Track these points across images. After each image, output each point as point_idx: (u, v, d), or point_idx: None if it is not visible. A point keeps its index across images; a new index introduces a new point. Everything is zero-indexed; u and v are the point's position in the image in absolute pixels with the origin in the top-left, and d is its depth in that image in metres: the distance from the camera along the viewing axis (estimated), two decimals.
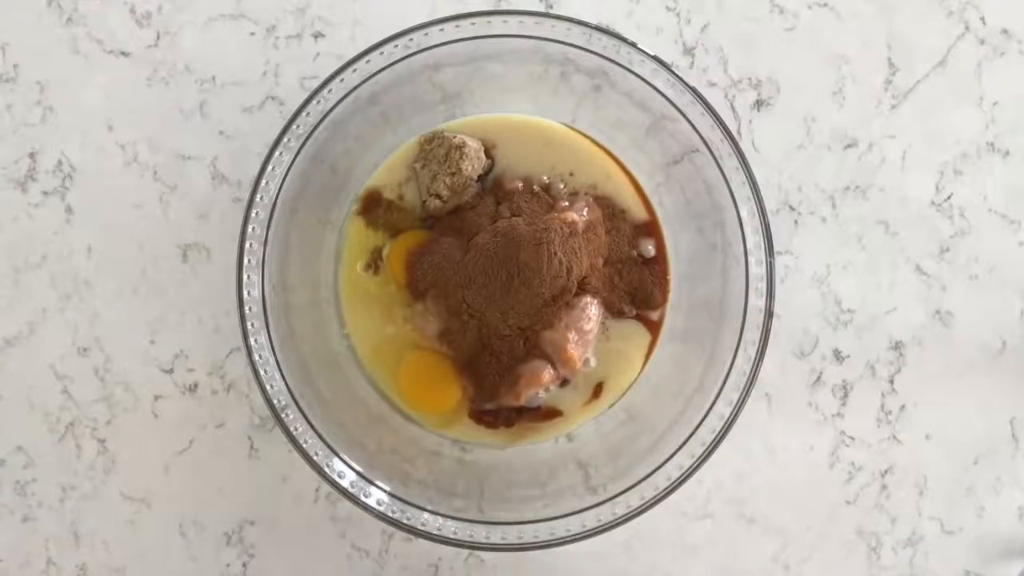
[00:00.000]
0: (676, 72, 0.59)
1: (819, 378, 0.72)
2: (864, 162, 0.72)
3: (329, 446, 0.60)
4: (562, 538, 0.59)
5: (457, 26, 0.59)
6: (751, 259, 0.61)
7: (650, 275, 0.68)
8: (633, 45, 0.59)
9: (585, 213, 0.65)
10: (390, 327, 0.68)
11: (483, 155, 0.67)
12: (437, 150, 0.66)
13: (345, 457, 0.61)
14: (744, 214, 0.60)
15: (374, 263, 0.68)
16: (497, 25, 0.59)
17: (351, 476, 0.60)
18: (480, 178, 0.67)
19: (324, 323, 0.67)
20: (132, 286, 0.72)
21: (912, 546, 0.73)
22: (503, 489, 0.66)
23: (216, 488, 0.71)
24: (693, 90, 0.59)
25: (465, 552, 0.72)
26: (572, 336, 0.64)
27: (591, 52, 0.60)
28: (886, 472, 0.72)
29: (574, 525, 0.60)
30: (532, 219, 0.64)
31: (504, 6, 0.71)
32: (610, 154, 0.68)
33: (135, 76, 0.72)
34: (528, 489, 0.65)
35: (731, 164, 0.60)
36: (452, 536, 0.59)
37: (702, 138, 0.60)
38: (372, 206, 0.68)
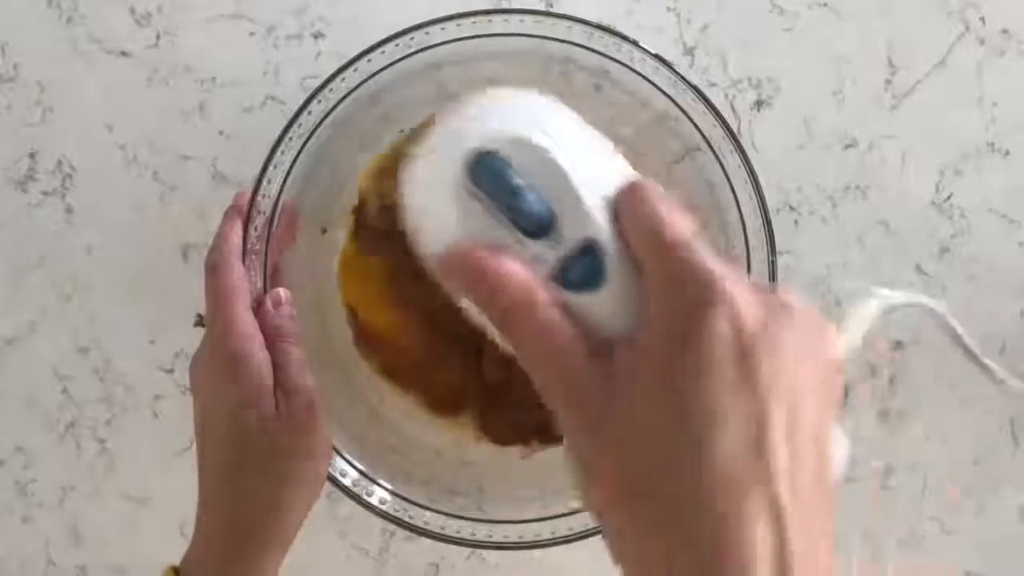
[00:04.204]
0: (677, 70, 0.59)
1: None
2: (864, 162, 0.72)
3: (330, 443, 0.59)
4: (563, 536, 0.59)
5: (458, 25, 0.59)
6: (753, 258, 0.61)
7: None
8: (635, 43, 0.59)
9: None
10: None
11: None
12: None
13: (347, 455, 0.61)
14: (746, 213, 0.60)
15: None
16: (498, 24, 0.59)
17: (353, 475, 0.60)
18: None
19: (326, 322, 0.67)
20: (132, 286, 0.72)
21: (912, 546, 0.72)
22: (504, 488, 0.65)
23: None
24: (695, 88, 0.59)
25: (466, 552, 0.72)
26: None
27: (592, 51, 0.60)
28: (886, 472, 0.72)
29: (575, 524, 0.60)
30: None
31: (504, 5, 0.71)
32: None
33: (135, 76, 0.72)
34: (529, 489, 0.65)
35: (733, 162, 0.60)
36: (455, 535, 0.59)
37: (704, 136, 0.60)
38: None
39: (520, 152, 0.40)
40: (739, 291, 0.34)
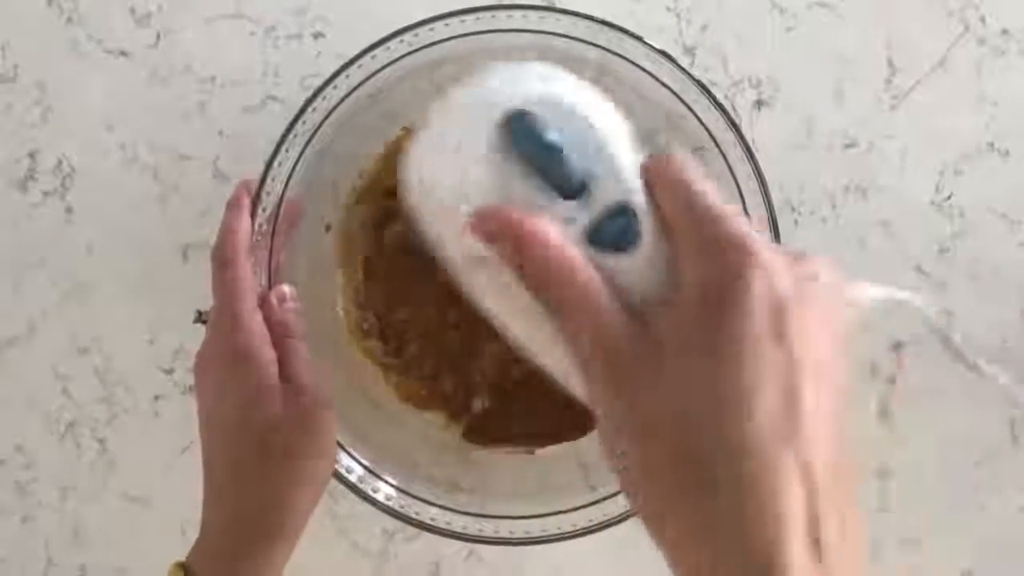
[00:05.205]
0: (682, 66, 0.59)
1: None
2: (864, 162, 0.72)
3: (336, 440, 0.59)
4: (565, 533, 0.59)
5: (462, 21, 0.59)
6: None
7: None
8: (639, 39, 0.59)
9: None
10: None
11: None
12: None
13: (352, 452, 0.60)
14: (750, 207, 0.60)
15: None
16: (501, 20, 0.59)
17: (359, 471, 0.60)
18: None
19: (330, 321, 0.67)
20: (132, 286, 0.72)
21: (912, 546, 0.72)
22: (506, 485, 0.65)
23: None
24: (699, 84, 0.59)
25: (465, 552, 0.71)
26: None
27: (596, 46, 0.60)
28: (886, 472, 0.72)
29: (579, 520, 0.60)
30: None
31: (506, 1, 0.72)
32: None
33: (135, 76, 0.72)
34: (529, 485, 0.65)
35: (736, 154, 0.60)
36: (460, 531, 0.59)
37: (707, 131, 0.60)
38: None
39: (552, 112, 0.39)
40: (773, 257, 0.35)
